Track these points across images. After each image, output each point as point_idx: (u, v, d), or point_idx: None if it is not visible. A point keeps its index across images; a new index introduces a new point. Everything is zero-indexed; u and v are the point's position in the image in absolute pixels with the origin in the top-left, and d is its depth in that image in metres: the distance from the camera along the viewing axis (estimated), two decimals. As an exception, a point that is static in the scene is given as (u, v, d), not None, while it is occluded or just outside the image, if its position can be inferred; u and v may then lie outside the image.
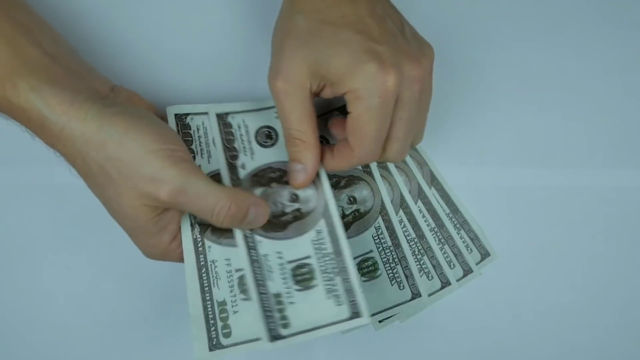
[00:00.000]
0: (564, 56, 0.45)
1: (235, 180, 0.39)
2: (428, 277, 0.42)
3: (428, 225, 0.43)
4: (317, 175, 0.38)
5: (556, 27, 0.45)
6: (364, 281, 0.40)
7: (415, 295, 0.41)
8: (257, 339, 0.34)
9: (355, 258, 0.40)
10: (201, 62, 0.42)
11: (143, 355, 0.42)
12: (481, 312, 0.43)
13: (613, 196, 0.44)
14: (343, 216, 0.41)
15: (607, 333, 0.43)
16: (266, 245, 0.37)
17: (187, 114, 0.39)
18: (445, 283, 0.42)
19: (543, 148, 0.44)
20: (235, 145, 0.39)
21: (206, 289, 0.36)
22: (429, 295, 0.42)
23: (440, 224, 0.43)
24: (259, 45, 0.42)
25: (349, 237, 0.40)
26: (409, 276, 0.42)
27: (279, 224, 0.37)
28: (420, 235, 0.42)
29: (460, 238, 0.43)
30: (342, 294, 0.35)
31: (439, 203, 0.43)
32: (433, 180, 0.44)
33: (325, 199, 0.38)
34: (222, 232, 0.37)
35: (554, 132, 0.45)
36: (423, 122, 0.37)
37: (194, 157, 0.38)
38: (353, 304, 0.35)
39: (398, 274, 0.42)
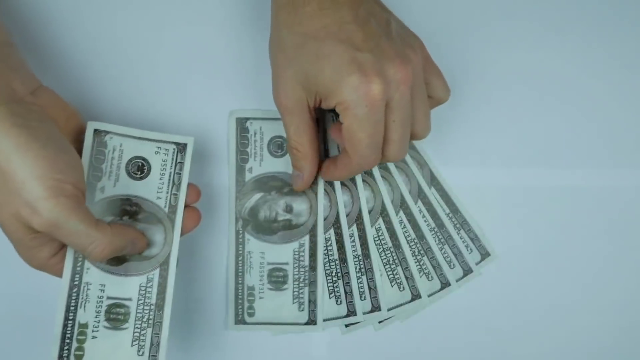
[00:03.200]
0: (564, 56, 0.45)
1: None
2: (428, 277, 0.42)
3: (428, 225, 0.43)
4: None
5: (556, 27, 0.45)
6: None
7: (416, 296, 0.41)
8: None
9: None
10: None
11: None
12: (481, 312, 0.43)
13: (613, 196, 0.44)
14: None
15: (607, 333, 0.43)
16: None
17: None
18: (445, 284, 0.42)
19: (543, 148, 0.44)
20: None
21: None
22: (429, 296, 0.42)
23: (440, 224, 0.43)
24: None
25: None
26: (409, 277, 0.42)
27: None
28: (420, 236, 0.43)
29: (460, 238, 0.43)
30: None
31: (439, 203, 0.43)
32: (433, 180, 0.44)
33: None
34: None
35: (554, 132, 0.44)
36: (423, 116, 0.37)
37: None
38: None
39: (398, 275, 0.42)
